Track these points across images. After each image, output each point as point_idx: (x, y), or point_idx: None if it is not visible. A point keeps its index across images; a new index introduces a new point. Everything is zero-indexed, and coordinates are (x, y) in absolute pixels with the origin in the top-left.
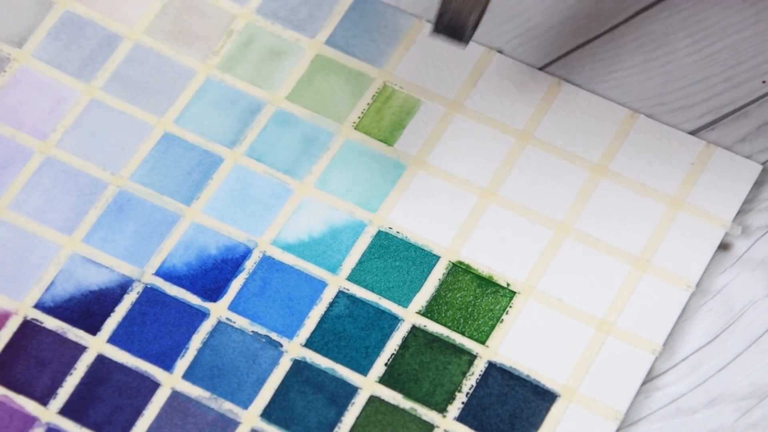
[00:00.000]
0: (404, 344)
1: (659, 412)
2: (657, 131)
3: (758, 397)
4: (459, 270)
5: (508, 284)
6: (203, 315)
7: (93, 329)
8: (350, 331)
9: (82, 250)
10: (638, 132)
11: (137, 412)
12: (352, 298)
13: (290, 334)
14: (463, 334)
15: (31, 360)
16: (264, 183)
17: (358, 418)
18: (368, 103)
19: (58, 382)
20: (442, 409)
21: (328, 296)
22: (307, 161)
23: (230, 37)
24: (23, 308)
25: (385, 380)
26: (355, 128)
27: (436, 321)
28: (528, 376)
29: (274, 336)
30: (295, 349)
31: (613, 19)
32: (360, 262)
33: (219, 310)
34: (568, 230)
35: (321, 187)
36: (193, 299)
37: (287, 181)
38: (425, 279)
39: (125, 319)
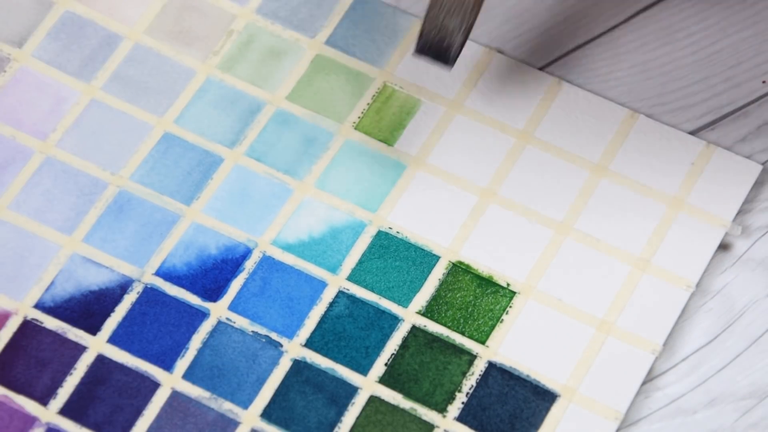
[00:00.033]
0: (404, 344)
1: (659, 412)
2: (657, 131)
3: (758, 397)
4: (459, 270)
5: (508, 284)
6: (203, 315)
7: (93, 329)
8: (350, 331)
9: (82, 250)
10: (638, 132)
11: (137, 412)
12: (352, 298)
13: (290, 334)
14: (463, 334)
15: (31, 360)
16: (264, 183)
17: (358, 418)
18: (368, 103)
19: (58, 382)
20: (442, 409)
21: (328, 296)
22: (307, 161)
23: (230, 37)
24: (23, 308)
25: (385, 380)
26: (355, 128)
27: (436, 321)
28: (528, 376)
29: (274, 336)
30: (295, 349)
31: (613, 19)
32: (360, 262)
33: (219, 310)
34: (568, 230)
35: (321, 187)
36: (193, 299)
37: (287, 181)
38: (425, 279)
39: (125, 319)
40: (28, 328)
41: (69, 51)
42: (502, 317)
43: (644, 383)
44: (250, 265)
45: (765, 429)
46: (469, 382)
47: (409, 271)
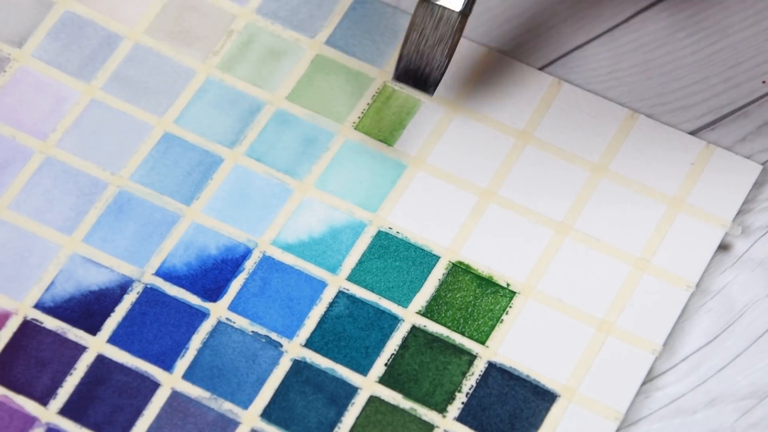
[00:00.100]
0: (404, 344)
1: (659, 412)
2: (657, 131)
3: (758, 397)
4: (459, 270)
5: (508, 284)
6: (203, 315)
7: (93, 329)
8: (350, 331)
9: (82, 250)
10: (638, 132)
11: (137, 412)
12: (352, 298)
13: (290, 334)
14: (463, 334)
15: (31, 360)
16: (264, 183)
17: (358, 418)
18: (368, 103)
19: (58, 382)
20: (442, 409)
21: (328, 296)
22: (307, 161)
23: (230, 37)
24: (23, 308)
25: (385, 380)
26: (355, 128)
27: (436, 321)
28: (528, 376)
29: (274, 336)
30: (295, 349)
31: (613, 19)
32: (360, 262)
33: (219, 310)
34: (568, 230)
35: (321, 187)
36: (193, 299)
37: (287, 181)
38: (425, 279)
39: (125, 319)
40: (28, 328)
41: (69, 51)
42: (502, 317)
43: (644, 383)
44: (250, 265)
45: (765, 429)
46: (469, 382)
47: (409, 271)
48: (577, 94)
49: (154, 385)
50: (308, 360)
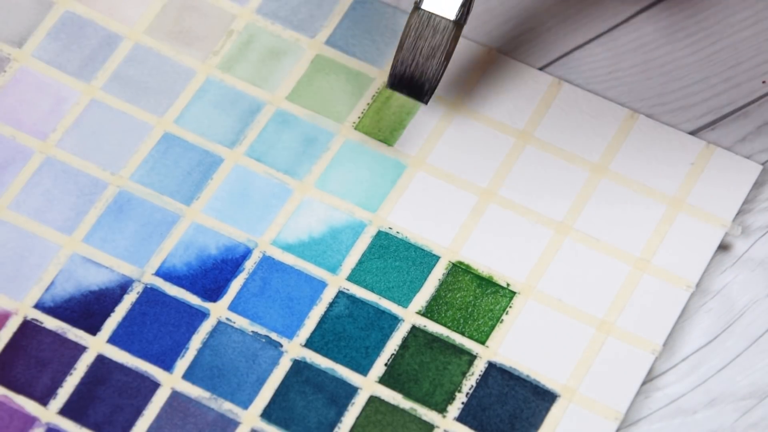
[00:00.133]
0: (404, 344)
1: (659, 412)
2: (657, 131)
3: (758, 397)
4: (459, 270)
5: (508, 284)
6: (203, 315)
7: (93, 329)
8: (350, 331)
9: (82, 250)
10: (638, 132)
11: (137, 412)
12: (352, 298)
13: (290, 334)
14: (463, 334)
15: (31, 360)
16: (264, 183)
17: (358, 418)
18: (368, 103)
19: (58, 382)
20: (442, 409)
21: (328, 296)
22: (307, 161)
23: (230, 37)
24: (23, 308)
25: (385, 380)
26: (355, 128)
27: (436, 321)
28: (528, 376)
29: (274, 336)
30: (295, 349)
31: (613, 19)
32: (360, 262)
33: (219, 310)
34: (568, 230)
35: (321, 187)
36: (193, 299)
37: (287, 181)
38: (425, 279)
39: (125, 319)
40: (28, 328)
41: (69, 51)
42: (502, 317)
43: (644, 383)
44: (250, 265)
45: (765, 429)
46: (469, 382)
47: (409, 271)
48: (577, 94)
49: (154, 385)
50: (308, 360)
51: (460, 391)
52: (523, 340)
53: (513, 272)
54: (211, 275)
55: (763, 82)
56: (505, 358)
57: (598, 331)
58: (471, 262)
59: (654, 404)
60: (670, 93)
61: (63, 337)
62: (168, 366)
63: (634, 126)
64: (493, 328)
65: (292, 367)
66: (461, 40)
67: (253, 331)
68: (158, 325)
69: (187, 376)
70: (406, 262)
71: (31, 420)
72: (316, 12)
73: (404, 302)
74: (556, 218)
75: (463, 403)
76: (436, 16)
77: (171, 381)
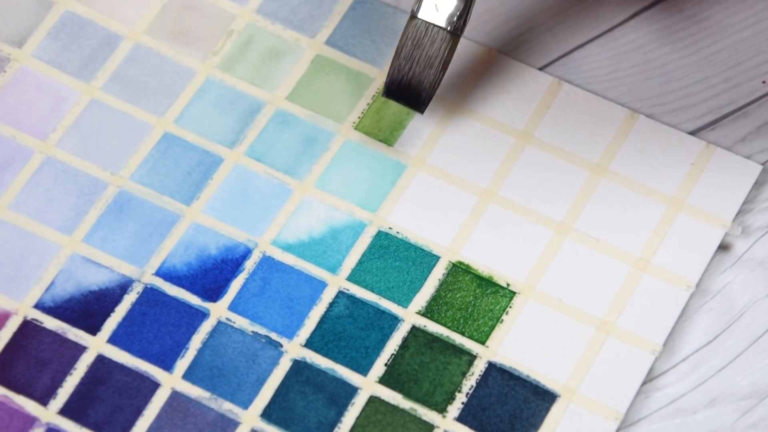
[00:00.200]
0: (404, 344)
1: (659, 412)
2: (657, 131)
3: (758, 397)
4: (459, 270)
5: (508, 284)
6: (203, 315)
7: (93, 329)
8: (350, 331)
9: (82, 250)
10: (638, 132)
11: (137, 412)
12: (352, 299)
13: (290, 334)
14: (463, 334)
15: (31, 360)
16: (264, 183)
17: (358, 418)
18: (368, 103)
19: (58, 382)
20: (442, 410)
21: (328, 296)
22: (307, 161)
23: (230, 37)
24: (23, 308)
25: (385, 380)
26: (355, 128)
27: (436, 321)
28: (528, 376)
29: (274, 336)
30: (295, 349)
31: (613, 19)
32: (360, 262)
33: (219, 310)
34: (568, 230)
35: (321, 187)
36: (193, 299)
37: (287, 181)
38: (425, 279)
39: (125, 319)
40: (28, 328)
41: (69, 51)
42: (502, 317)
43: (644, 383)
44: (250, 265)
45: (765, 429)
46: (469, 383)
47: (409, 272)
48: (577, 94)
49: (154, 385)
50: (308, 360)
51: (460, 391)
52: (523, 340)
53: (513, 272)
54: (211, 275)
55: (763, 82)
56: (505, 358)
57: (598, 331)
58: (471, 262)
59: (654, 404)
60: (670, 93)
61: (63, 337)
62: (168, 366)
63: (634, 126)
64: (493, 328)
65: (292, 367)
66: (461, 40)
67: (253, 331)
68: (158, 325)
69: (187, 376)
70: (406, 262)
71: (31, 420)
72: (316, 12)
73: (404, 302)
74: (556, 218)
75: (463, 403)
76: (433, 25)
77: (171, 381)
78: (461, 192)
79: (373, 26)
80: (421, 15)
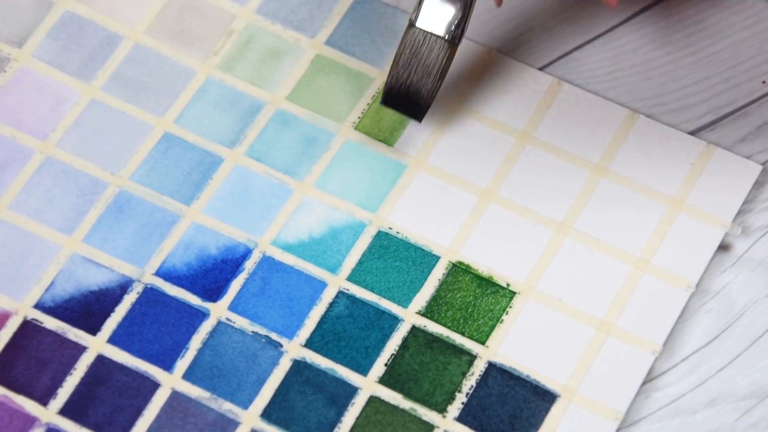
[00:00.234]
0: (404, 344)
1: (659, 412)
2: (657, 131)
3: (758, 397)
4: (459, 270)
5: (508, 284)
6: (203, 315)
7: (93, 329)
8: (350, 331)
9: (82, 250)
10: (638, 132)
11: (137, 412)
12: (352, 299)
13: (290, 335)
14: (463, 334)
15: (31, 360)
16: (264, 183)
17: (358, 418)
18: (368, 103)
19: (58, 382)
20: (442, 410)
21: (328, 296)
22: (307, 161)
23: (230, 37)
24: (23, 308)
25: (385, 380)
26: (355, 128)
27: (436, 321)
28: (528, 376)
29: (274, 336)
30: (295, 349)
31: (613, 19)
32: (360, 262)
33: (219, 310)
34: (568, 230)
35: (321, 187)
36: (193, 299)
37: (287, 181)
38: (425, 279)
39: (125, 319)
40: (28, 328)
41: (69, 51)
42: (502, 317)
43: (644, 383)
44: (250, 265)
45: (765, 429)
46: (469, 383)
47: (409, 272)
48: (577, 94)
49: (154, 385)
50: (308, 360)
51: (460, 391)
52: (523, 340)
53: (513, 272)
54: (211, 275)
55: (763, 82)
56: (505, 358)
57: (598, 331)
58: (471, 262)
59: (654, 404)
60: (670, 93)
61: (63, 337)
62: (168, 366)
63: (634, 126)
64: (493, 328)
65: (292, 367)
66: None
67: (253, 331)
68: (158, 325)
69: (187, 376)
70: (406, 262)
71: (31, 420)
72: (316, 12)
73: (404, 302)
74: (556, 218)
75: (463, 403)
76: (431, 34)
77: (171, 381)
78: (461, 192)
79: (373, 26)
80: (419, 24)
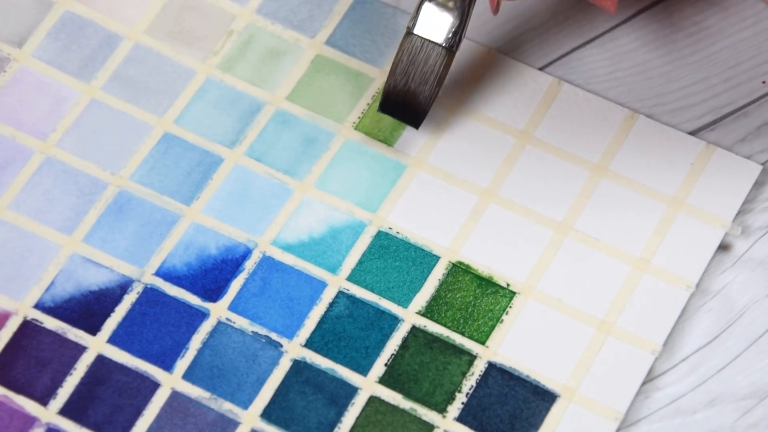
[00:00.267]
0: (404, 344)
1: (659, 412)
2: (657, 131)
3: (758, 397)
4: (459, 270)
5: (508, 284)
6: (203, 315)
7: (93, 329)
8: (350, 331)
9: (82, 250)
10: (638, 132)
11: (137, 412)
12: (352, 299)
13: (290, 335)
14: (463, 334)
15: (31, 360)
16: (264, 183)
17: (358, 418)
18: (368, 103)
19: (58, 382)
20: (442, 410)
21: (328, 296)
22: (307, 161)
23: (230, 37)
24: (23, 308)
25: (385, 380)
26: (355, 128)
27: (436, 321)
28: (528, 376)
29: (274, 336)
30: (295, 349)
31: (613, 19)
32: (360, 262)
33: (219, 311)
34: (568, 230)
35: (321, 187)
36: (193, 299)
37: (287, 181)
38: (425, 279)
39: (125, 319)
40: (28, 328)
41: (69, 51)
42: (502, 317)
43: (644, 383)
44: (250, 265)
45: (765, 429)
46: (469, 383)
47: (409, 272)
48: (577, 94)
49: (154, 385)
50: (308, 360)
51: (460, 391)
52: (523, 340)
53: (513, 272)
54: (211, 275)
55: (763, 82)
56: (505, 358)
57: (598, 331)
58: (471, 262)
59: (654, 404)
60: (670, 93)
61: (63, 337)
62: (168, 366)
63: (634, 126)
64: (493, 328)
65: (292, 367)
66: None
67: (253, 331)
68: (158, 325)
69: (187, 376)
70: (406, 262)
71: (31, 420)
72: (316, 12)
73: (404, 302)
74: (556, 218)
75: (463, 403)
76: (429, 41)
77: (171, 381)
78: (461, 192)
79: (373, 26)
80: (416, 31)
